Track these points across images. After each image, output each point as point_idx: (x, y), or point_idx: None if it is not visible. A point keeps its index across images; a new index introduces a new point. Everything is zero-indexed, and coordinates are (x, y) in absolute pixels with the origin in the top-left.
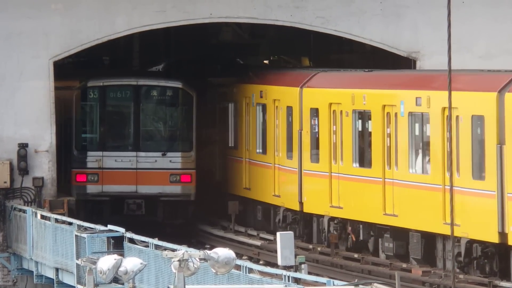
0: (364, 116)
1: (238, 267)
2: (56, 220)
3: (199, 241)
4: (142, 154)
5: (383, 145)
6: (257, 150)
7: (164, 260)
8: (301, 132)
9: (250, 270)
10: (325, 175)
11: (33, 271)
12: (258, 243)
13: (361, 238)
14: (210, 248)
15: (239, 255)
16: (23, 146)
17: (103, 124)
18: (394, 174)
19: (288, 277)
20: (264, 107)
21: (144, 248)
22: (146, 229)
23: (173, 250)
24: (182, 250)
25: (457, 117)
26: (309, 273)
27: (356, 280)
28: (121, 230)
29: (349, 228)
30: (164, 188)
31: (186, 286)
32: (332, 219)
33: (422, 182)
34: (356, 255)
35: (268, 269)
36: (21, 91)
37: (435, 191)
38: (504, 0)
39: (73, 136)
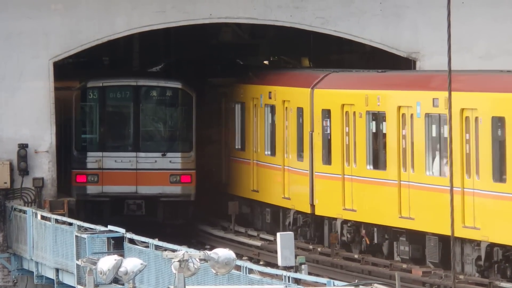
0: (378, 117)
1: (238, 267)
2: (56, 221)
3: (199, 241)
4: (142, 154)
5: (398, 147)
6: (266, 152)
7: (164, 261)
8: (312, 134)
9: (250, 271)
10: (337, 177)
11: (33, 272)
12: (258, 243)
13: (375, 241)
14: (210, 249)
15: (239, 256)
16: (23, 147)
17: (103, 125)
18: (410, 177)
19: (288, 277)
20: (273, 108)
21: (144, 248)
22: (146, 230)
23: (173, 250)
24: (182, 251)
25: (476, 118)
26: (309, 273)
27: (356, 281)
28: (121, 230)
29: (363, 231)
30: (164, 188)
31: (186, 287)
32: (345, 222)
33: (440, 185)
34: (356, 256)
35: (268, 270)
36: (21, 92)
37: (454, 194)
38: (504, 0)
39: (73, 136)
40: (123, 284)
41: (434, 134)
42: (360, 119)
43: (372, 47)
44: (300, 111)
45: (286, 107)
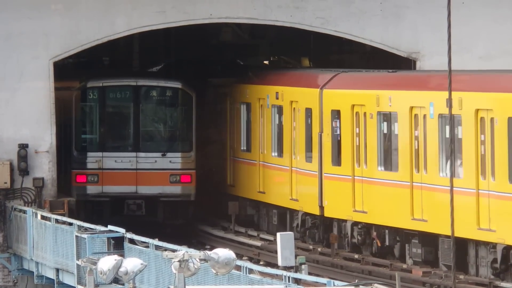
0: (390, 118)
1: (238, 267)
2: (57, 221)
3: (199, 241)
4: (142, 154)
5: (410, 148)
6: (273, 153)
7: (165, 261)
8: (321, 135)
9: (250, 271)
10: (347, 178)
11: (33, 272)
12: (258, 243)
13: (386, 243)
14: (211, 249)
15: (239, 256)
16: (23, 147)
17: (102, 125)
18: (423, 178)
19: (289, 277)
20: (280, 109)
21: (144, 248)
22: (146, 230)
23: (174, 250)
24: (183, 251)
25: (491, 119)
26: (310, 273)
27: (356, 281)
28: (122, 230)
29: (374, 233)
30: (164, 188)
31: (186, 287)
32: (355, 223)
33: (454, 187)
34: (356, 256)
35: (268, 270)
36: (21, 92)
37: (469, 195)
38: (504, 1)
39: (73, 137)
40: (123, 284)
41: (448, 135)
42: (371, 119)
43: (372, 47)
44: (308, 111)
45: (294, 108)
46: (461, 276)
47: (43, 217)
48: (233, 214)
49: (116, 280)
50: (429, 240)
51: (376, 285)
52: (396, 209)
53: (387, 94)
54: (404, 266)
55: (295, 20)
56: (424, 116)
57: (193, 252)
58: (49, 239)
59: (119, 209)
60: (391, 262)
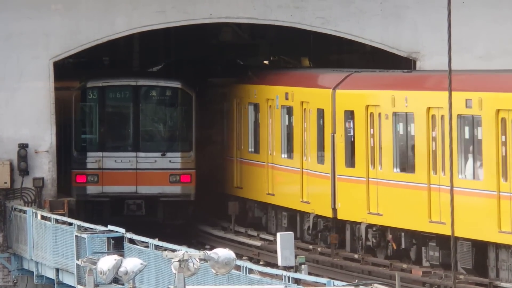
0: (406, 118)
1: (238, 267)
2: (56, 221)
3: (199, 241)
4: (141, 154)
5: (428, 149)
6: (282, 155)
7: (164, 261)
8: (334, 136)
9: (250, 271)
10: (361, 180)
11: (33, 272)
12: (258, 243)
13: (402, 246)
14: (210, 249)
15: (239, 256)
16: (23, 147)
17: (102, 125)
18: (441, 180)
19: (288, 277)
20: (290, 110)
21: (144, 248)
22: (146, 230)
23: (173, 250)
24: (182, 251)
25: None
26: (309, 273)
27: (356, 281)
28: (121, 230)
29: (390, 236)
30: (164, 188)
31: (186, 287)
32: (370, 226)
33: (474, 189)
34: (356, 256)
35: (268, 270)
36: (21, 92)
37: (489, 197)
38: (504, 1)
39: (73, 137)
40: (123, 284)
41: (467, 136)
42: (386, 120)
43: (372, 47)
44: (320, 112)
45: (305, 109)
46: (461, 276)
47: (43, 217)
48: (233, 214)
49: (116, 280)
50: (447, 243)
51: (376, 285)
52: (413, 211)
53: (403, 95)
54: (404, 266)
55: (295, 20)
56: (442, 116)
57: (193, 252)
58: (49, 239)
59: (119, 209)
60: (391, 262)
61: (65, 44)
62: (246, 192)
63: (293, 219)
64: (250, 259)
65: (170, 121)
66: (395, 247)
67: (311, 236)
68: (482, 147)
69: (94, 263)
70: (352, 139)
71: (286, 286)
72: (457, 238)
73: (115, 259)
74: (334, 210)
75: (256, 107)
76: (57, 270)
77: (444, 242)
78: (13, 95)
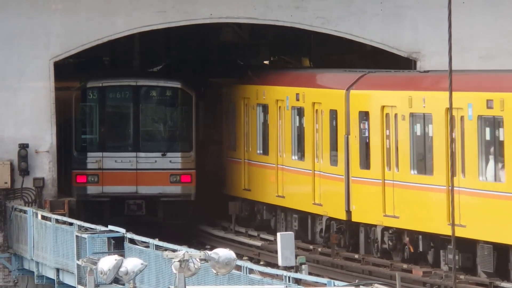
0: (424, 119)
1: (238, 267)
2: (57, 221)
3: (200, 241)
4: (142, 154)
5: (447, 151)
6: (293, 157)
7: (165, 261)
8: (348, 137)
9: (251, 271)
10: (377, 182)
11: (34, 272)
12: (258, 243)
13: (420, 249)
14: (211, 249)
15: (239, 256)
16: (23, 147)
17: (102, 125)
18: (461, 182)
19: (289, 277)
20: (300, 111)
21: (144, 248)
22: (147, 230)
23: (174, 250)
24: (183, 251)
25: None
26: (310, 273)
27: (356, 281)
28: (122, 230)
29: (407, 239)
30: (164, 188)
31: (187, 287)
32: (385, 229)
33: (495, 191)
34: (356, 256)
35: (268, 270)
36: (21, 92)
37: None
38: (504, 1)
39: (73, 137)
40: (123, 284)
41: (488, 137)
42: (403, 121)
43: (373, 47)
44: (333, 113)
45: (317, 110)
46: (462, 276)
47: (43, 217)
48: (233, 214)
49: (116, 280)
50: (467, 246)
51: (376, 285)
52: (431, 214)
53: (421, 95)
54: (405, 266)
55: (296, 20)
56: (462, 117)
57: (193, 252)
58: (49, 239)
59: (120, 209)
60: (391, 262)
61: (65, 44)
62: (254, 194)
63: (304, 221)
64: (251, 259)
65: (170, 121)
66: (412, 250)
67: (324, 239)
68: (504, 149)
69: (95, 263)
70: (367, 141)
71: (286, 286)
72: (477, 241)
73: (115, 259)
74: (348, 212)
75: (265, 108)
76: (58, 270)
77: (464, 245)
78: (14, 95)
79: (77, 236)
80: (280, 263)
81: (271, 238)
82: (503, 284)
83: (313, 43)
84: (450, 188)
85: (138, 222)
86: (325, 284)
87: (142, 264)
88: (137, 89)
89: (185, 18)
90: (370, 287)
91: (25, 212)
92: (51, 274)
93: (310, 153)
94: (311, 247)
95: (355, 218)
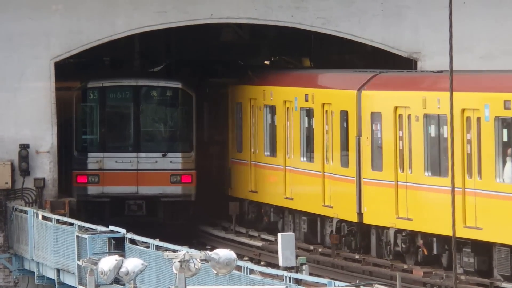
0: (438, 120)
1: (239, 268)
2: (57, 221)
3: (200, 242)
4: (142, 155)
5: (462, 152)
6: (301, 158)
7: (165, 261)
8: (359, 138)
9: (251, 271)
10: (390, 184)
11: (34, 272)
12: (259, 244)
13: (434, 252)
14: (211, 249)
15: (240, 256)
16: (24, 147)
17: (103, 125)
18: (477, 184)
19: (289, 278)
20: (310, 112)
21: (145, 249)
22: (147, 230)
23: (174, 251)
24: (183, 251)
25: None
26: (310, 274)
27: (357, 281)
28: (122, 231)
29: (420, 241)
30: (165, 188)
31: (187, 287)
32: (398, 231)
33: None
34: (357, 256)
35: (269, 270)
36: (22, 92)
37: None
38: (505, 1)
39: (74, 137)
40: (124, 285)
41: (505, 139)
42: (417, 122)
43: (373, 47)
44: (344, 114)
45: (326, 110)
46: (462, 277)
47: (44, 218)
48: (233, 214)
49: (117, 281)
50: (483, 248)
51: (376, 285)
52: (446, 216)
53: (435, 96)
54: (405, 266)
55: (296, 20)
56: (478, 118)
57: (194, 252)
58: (50, 240)
59: (120, 210)
60: (391, 262)
61: (66, 45)
62: (261, 196)
63: (313, 224)
64: (251, 260)
65: (170, 122)
66: (426, 253)
67: (336, 242)
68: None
69: (95, 264)
70: (380, 142)
71: (287, 287)
72: (494, 244)
73: (116, 260)
74: (360, 214)
75: (273, 109)
76: (58, 270)
77: (480, 247)
78: (14, 95)
79: (77, 237)
80: (280, 263)
81: (271, 238)
82: (504, 284)
83: (314, 43)
84: (451, 188)
85: (139, 223)
86: (326, 284)
87: (142, 264)
88: (138, 89)
89: (185, 19)
90: (370, 287)
91: (25, 212)
92: (52, 275)
93: (319, 155)
94: (311, 247)
95: (366, 220)
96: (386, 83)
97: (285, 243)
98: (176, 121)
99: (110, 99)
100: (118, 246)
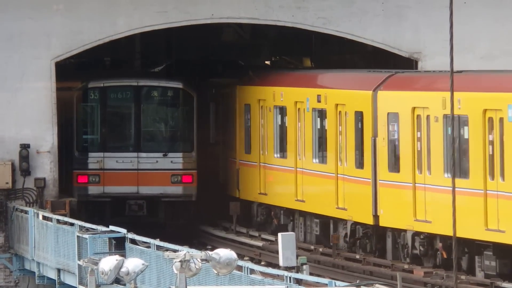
0: (459, 121)
1: (239, 268)
2: (58, 221)
3: (201, 242)
4: (143, 155)
5: (484, 153)
6: (314, 160)
7: (166, 261)
8: (375, 139)
9: (252, 271)
10: (407, 186)
11: (35, 272)
12: (259, 243)
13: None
14: (212, 249)
15: (240, 256)
16: (25, 147)
17: (104, 125)
18: (499, 186)
19: (290, 278)
20: (322, 113)
21: (145, 249)
22: (148, 230)
23: (175, 251)
24: (184, 251)
25: None
26: (311, 274)
27: (357, 281)
28: (123, 231)
29: (439, 244)
30: (166, 188)
31: (188, 287)
32: (416, 234)
33: None
34: (357, 256)
35: (269, 270)
36: (22, 92)
37: None
38: (505, 1)
39: (74, 137)
40: (124, 285)
41: None
42: (436, 123)
43: (374, 48)
44: (358, 115)
45: (340, 111)
46: (463, 277)
47: (44, 218)
48: (234, 214)
49: (117, 281)
50: (505, 251)
51: (377, 285)
52: (467, 219)
53: (455, 96)
54: (406, 266)
55: (297, 20)
56: (501, 119)
57: (194, 252)
58: (50, 240)
59: (121, 210)
60: (392, 262)
61: (66, 45)
62: (271, 198)
63: (326, 226)
64: (252, 260)
65: (171, 122)
66: (445, 256)
67: (348, 244)
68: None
69: (96, 264)
70: (397, 143)
71: (287, 287)
72: None
73: (116, 260)
74: (376, 217)
75: (283, 110)
76: (59, 270)
77: (502, 250)
78: (15, 95)
79: (78, 237)
80: (281, 263)
81: (272, 238)
82: (504, 284)
83: (314, 43)
84: (452, 188)
85: (139, 223)
86: (326, 284)
87: (143, 264)
88: (139, 89)
89: (186, 19)
90: (371, 287)
91: (26, 212)
92: (52, 275)
93: (332, 156)
94: (312, 247)
95: (383, 223)
96: (403, 84)
97: (285, 243)
98: (177, 121)
99: (111, 99)
100: (118, 246)
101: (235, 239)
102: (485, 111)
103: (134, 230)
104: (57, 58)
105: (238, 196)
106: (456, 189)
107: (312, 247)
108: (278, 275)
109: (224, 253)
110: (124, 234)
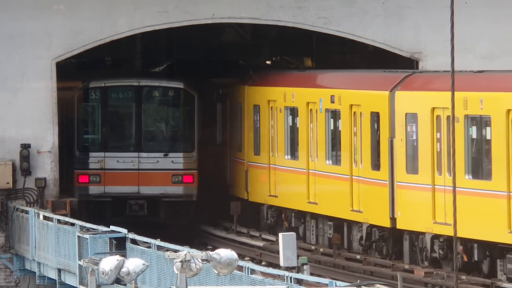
0: (480, 122)
1: (240, 268)
2: (59, 221)
3: (201, 242)
4: (144, 154)
5: (507, 155)
6: (327, 161)
7: (166, 261)
8: (392, 141)
9: (252, 271)
10: (426, 187)
11: (35, 272)
12: (260, 244)
13: (474, 258)
14: (213, 249)
15: (241, 256)
16: (25, 147)
17: (105, 125)
18: None
19: (290, 278)
20: (336, 114)
21: (146, 249)
22: (148, 230)
23: (175, 251)
24: (184, 251)
25: None
26: (312, 274)
27: (358, 281)
28: (123, 231)
29: (460, 248)
30: (166, 188)
31: (188, 287)
32: (435, 236)
33: None
34: (358, 256)
35: (270, 270)
36: (23, 92)
37: None
38: (506, 1)
39: (75, 137)
40: (125, 285)
41: None
42: (457, 123)
43: (375, 47)
44: (374, 116)
45: (355, 112)
46: (463, 277)
47: (45, 218)
48: (235, 214)
49: (118, 281)
50: None
51: (378, 285)
52: (489, 221)
53: (477, 96)
54: (406, 266)
55: (298, 20)
56: None
57: (195, 252)
58: (51, 240)
59: (121, 210)
60: (393, 262)
61: (67, 45)
62: (282, 200)
63: (340, 228)
64: (252, 260)
65: (172, 122)
66: (466, 259)
67: (364, 247)
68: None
69: (96, 264)
70: (415, 144)
71: (288, 287)
72: None
73: (117, 260)
74: (393, 219)
75: (294, 111)
76: (59, 270)
77: None
78: (16, 95)
79: (78, 237)
80: (281, 263)
81: (272, 238)
82: (504, 284)
83: (315, 43)
84: (452, 189)
85: (140, 223)
86: (327, 284)
87: (143, 264)
88: (140, 89)
89: (187, 19)
90: (371, 287)
91: (27, 212)
92: (53, 275)
93: (347, 158)
94: (312, 247)
95: (400, 225)
96: (422, 84)
97: (286, 243)
98: (177, 121)
99: (112, 99)
100: (119, 246)
101: (236, 239)
102: (508, 111)
103: (135, 230)
104: (58, 58)
105: (247, 198)
106: (478, 191)
107: (313, 247)
108: (278, 275)
109: (225, 253)
110: (125, 234)
